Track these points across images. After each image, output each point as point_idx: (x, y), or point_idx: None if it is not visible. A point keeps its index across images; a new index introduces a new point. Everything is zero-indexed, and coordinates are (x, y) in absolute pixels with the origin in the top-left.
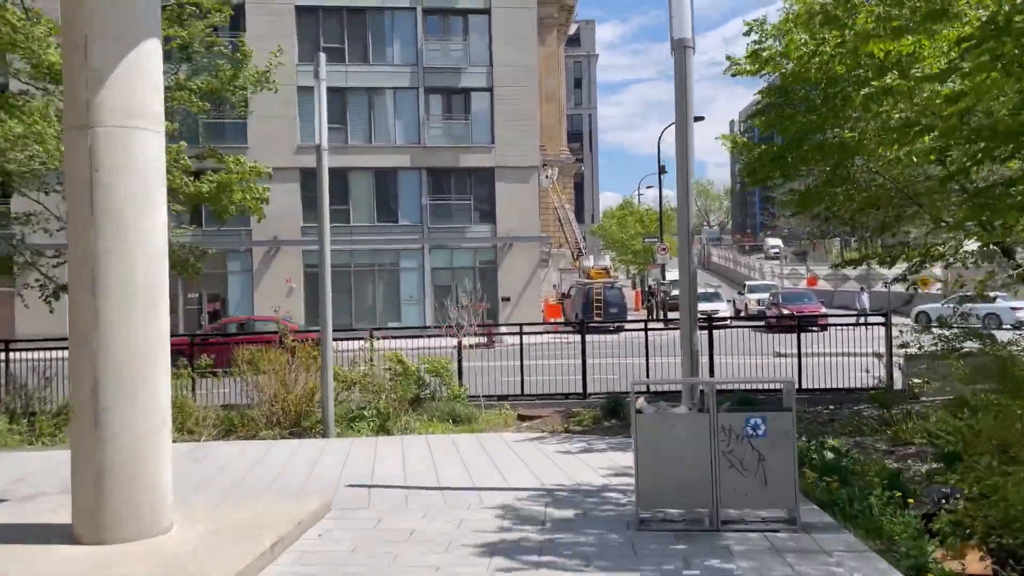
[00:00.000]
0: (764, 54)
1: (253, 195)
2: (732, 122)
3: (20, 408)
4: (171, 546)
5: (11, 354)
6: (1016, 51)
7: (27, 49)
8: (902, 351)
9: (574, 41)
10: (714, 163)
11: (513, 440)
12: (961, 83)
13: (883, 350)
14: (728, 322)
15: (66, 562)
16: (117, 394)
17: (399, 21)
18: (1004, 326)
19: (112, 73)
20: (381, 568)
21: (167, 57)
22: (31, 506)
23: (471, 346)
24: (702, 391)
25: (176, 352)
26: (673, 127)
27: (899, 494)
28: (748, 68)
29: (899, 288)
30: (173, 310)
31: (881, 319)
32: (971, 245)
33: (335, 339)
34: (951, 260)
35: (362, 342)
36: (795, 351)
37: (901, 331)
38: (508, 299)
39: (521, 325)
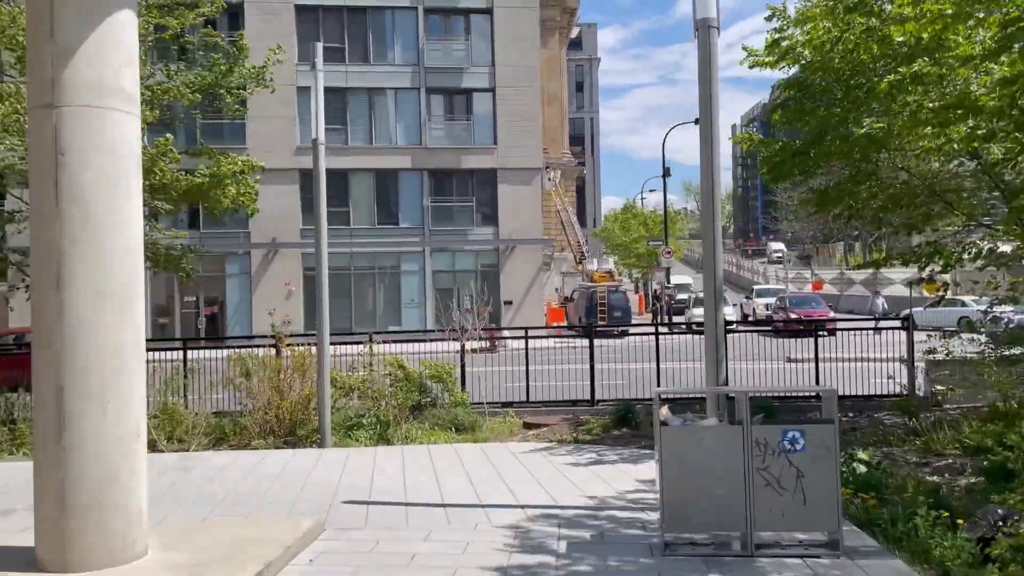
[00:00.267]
0: (784, 44)
1: (246, 190)
2: (734, 126)
3: (2, 414)
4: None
5: None
6: None
7: (10, 38)
8: (927, 357)
9: (576, 45)
10: None
11: (520, 451)
12: (1009, 67)
13: (905, 355)
14: (735, 326)
15: None
16: (84, 401)
17: (400, 21)
18: None
19: (81, 47)
20: None
21: (161, 52)
22: None
23: (473, 350)
24: (731, 399)
25: None
26: (676, 130)
27: (946, 514)
28: (767, 59)
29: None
30: (169, 313)
31: (900, 323)
32: (1005, 246)
33: (333, 343)
34: (983, 263)
35: (362, 346)
36: (806, 356)
37: (929, 335)
38: (510, 303)
39: (526, 329)
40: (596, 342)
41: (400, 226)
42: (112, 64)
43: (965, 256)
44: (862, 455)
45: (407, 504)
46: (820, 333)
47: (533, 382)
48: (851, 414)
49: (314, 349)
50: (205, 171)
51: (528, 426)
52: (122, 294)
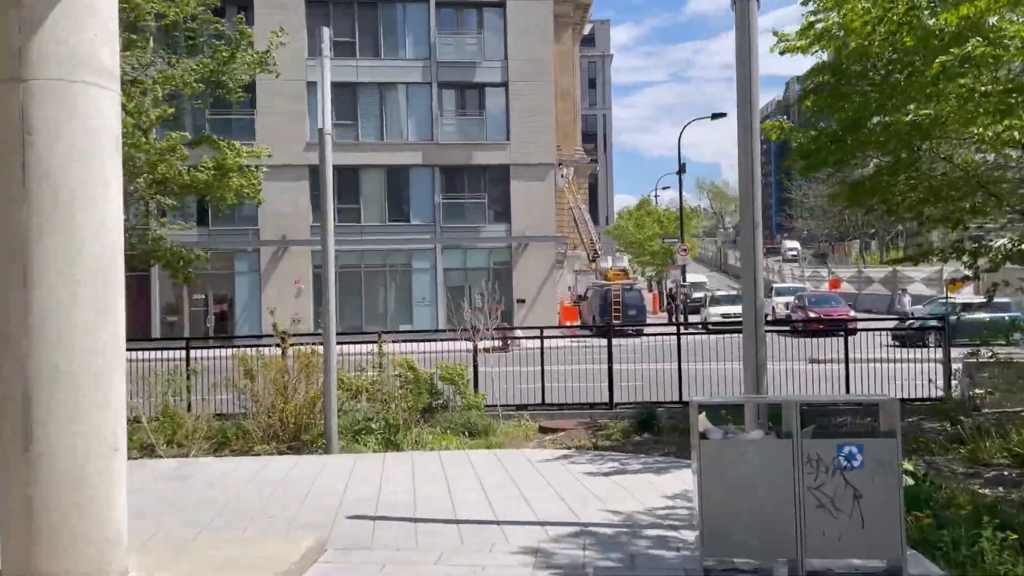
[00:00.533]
0: (819, 26)
1: (251, 180)
2: None
3: None
4: None
5: None
6: None
7: None
8: (967, 359)
9: (588, 41)
10: (729, 165)
11: (537, 459)
12: None
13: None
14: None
15: None
16: (54, 409)
17: (411, 14)
18: None
19: (51, 14)
20: None
21: (167, 43)
22: None
23: (485, 350)
24: (781, 408)
25: None
26: (690, 126)
27: (1014, 536)
28: (799, 43)
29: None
30: (177, 311)
31: (937, 323)
32: None
33: (341, 343)
34: None
35: (371, 346)
36: (830, 357)
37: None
38: (523, 301)
39: (541, 329)
40: (599, 342)
41: (411, 223)
42: (86, 33)
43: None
44: (907, 466)
45: (417, 520)
46: (839, 333)
47: (548, 383)
48: (859, 415)
49: (321, 349)
50: (209, 163)
51: (544, 430)
52: (99, 288)
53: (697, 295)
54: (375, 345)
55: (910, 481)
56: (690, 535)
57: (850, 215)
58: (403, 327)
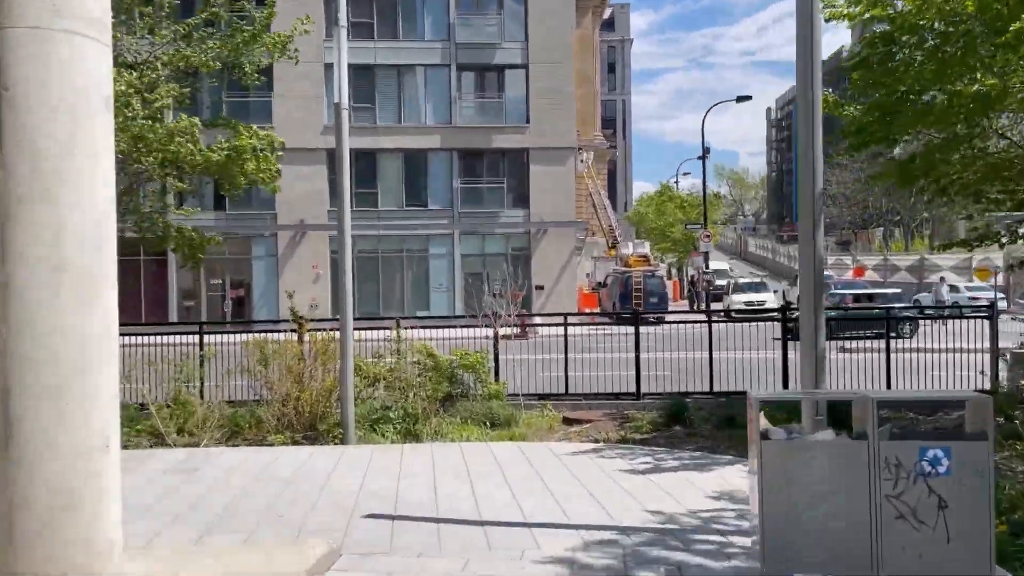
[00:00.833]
0: None
1: (267, 165)
2: (769, 109)
3: None
4: None
5: None
6: None
7: None
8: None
9: (608, 26)
10: (747, 152)
11: (563, 452)
12: None
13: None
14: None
15: None
16: (37, 403)
17: None
18: None
19: None
20: None
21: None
22: None
23: (504, 337)
24: (853, 407)
25: None
26: (714, 111)
27: None
28: (847, 11)
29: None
30: (194, 296)
31: (986, 311)
32: None
33: (358, 328)
34: None
35: (388, 332)
36: (862, 346)
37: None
38: (542, 288)
39: (565, 315)
40: (629, 329)
41: (429, 208)
42: None
43: None
44: None
45: (439, 520)
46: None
47: (571, 372)
48: (923, 412)
49: (338, 335)
50: (223, 144)
51: (568, 421)
52: (87, 269)
53: (719, 283)
54: (392, 331)
55: None
56: (741, 542)
57: (874, 202)
58: (420, 313)
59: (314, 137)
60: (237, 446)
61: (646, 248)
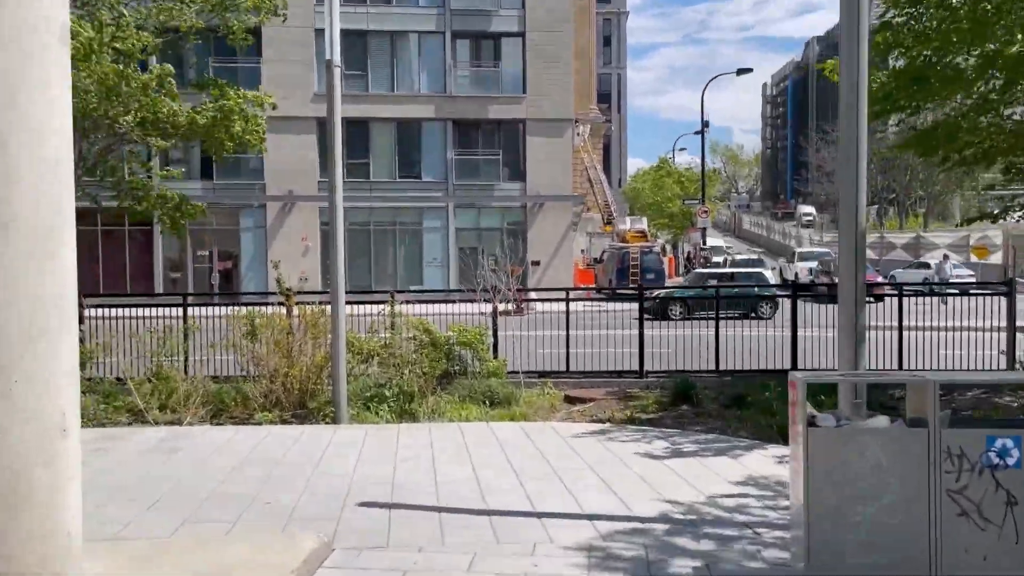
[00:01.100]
0: None
1: (254, 126)
2: (764, 85)
3: None
4: None
5: None
6: None
7: None
8: None
9: None
10: (741, 129)
11: (569, 433)
12: None
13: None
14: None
15: None
16: None
17: None
18: None
19: None
20: None
21: None
22: None
23: (502, 314)
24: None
25: None
26: (709, 87)
27: None
28: None
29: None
30: (181, 268)
31: (1004, 287)
32: None
33: (350, 302)
34: None
35: (382, 307)
36: (868, 323)
37: None
38: (538, 263)
39: (567, 290)
40: (626, 306)
41: (422, 180)
42: None
43: None
44: None
45: (440, 509)
46: (868, 300)
47: (573, 349)
48: (941, 393)
49: (328, 309)
50: (209, 105)
51: (570, 400)
52: (38, 228)
53: (716, 259)
54: (385, 306)
55: None
56: (771, 535)
57: (869, 179)
58: (413, 288)
59: (304, 105)
60: (222, 424)
61: (644, 224)
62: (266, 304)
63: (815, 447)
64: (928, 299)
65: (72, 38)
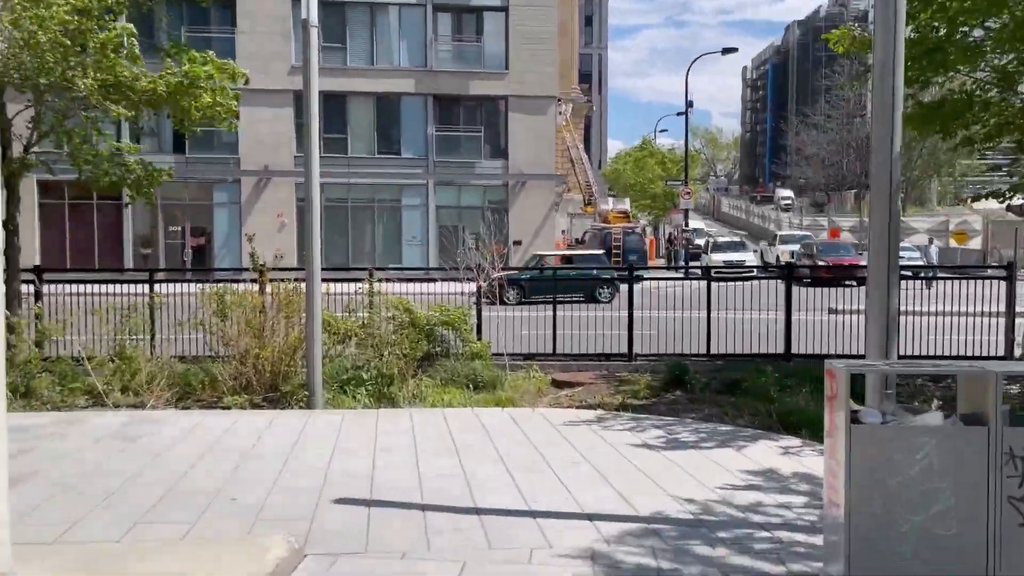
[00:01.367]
0: None
1: (223, 99)
2: (744, 68)
3: None
4: None
5: None
6: None
7: None
8: None
9: None
10: (720, 112)
11: (559, 421)
12: None
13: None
14: (754, 272)
15: None
16: None
17: None
18: None
19: None
20: None
21: None
22: None
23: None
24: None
25: None
26: (692, 68)
27: None
28: None
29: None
30: (152, 243)
31: (1004, 271)
32: None
33: (327, 280)
34: None
35: (359, 285)
36: (853, 307)
37: None
38: (519, 243)
39: (555, 270)
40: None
41: (402, 156)
42: None
43: None
44: None
45: (425, 507)
46: (847, 283)
47: (559, 331)
48: (931, 381)
49: (303, 286)
50: (175, 71)
51: (558, 384)
52: None
53: (698, 241)
54: (363, 284)
55: None
56: (791, 538)
57: (848, 163)
58: (392, 267)
59: (280, 78)
60: (188, 408)
61: (626, 204)
62: (239, 281)
63: (858, 445)
64: (912, 283)
65: None
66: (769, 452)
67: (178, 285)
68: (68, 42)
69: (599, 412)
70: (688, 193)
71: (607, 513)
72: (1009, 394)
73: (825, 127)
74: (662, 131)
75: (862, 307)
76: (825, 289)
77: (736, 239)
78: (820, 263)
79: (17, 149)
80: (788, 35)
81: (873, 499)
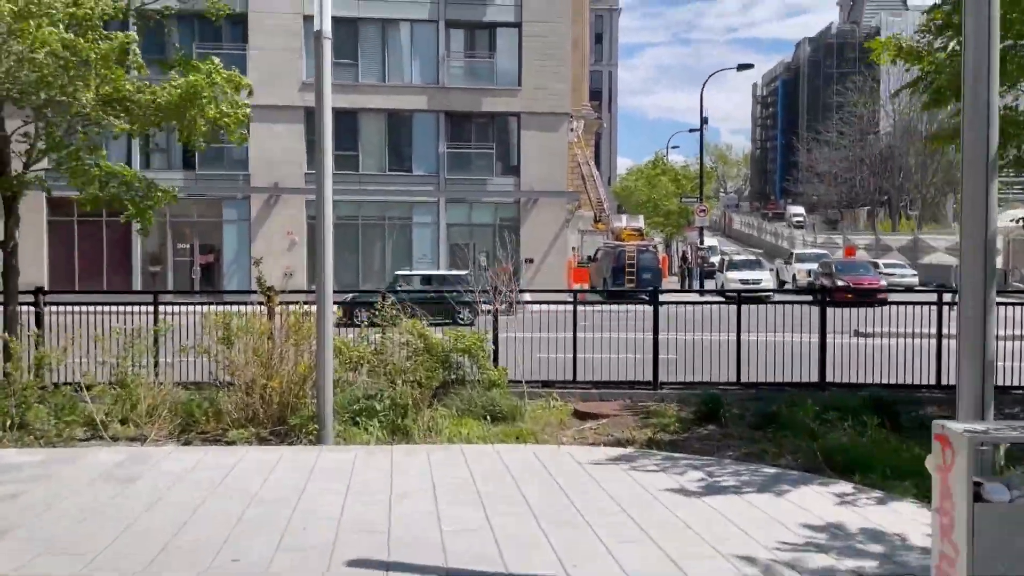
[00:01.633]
0: None
1: (232, 108)
2: (755, 85)
3: None
4: None
5: None
6: None
7: None
8: None
9: None
10: (728, 129)
11: (587, 460)
12: None
13: None
14: (771, 295)
15: None
16: None
17: None
18: None
19: None
20: None
21: None
22: None
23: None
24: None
25: None
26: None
27: None
28: None
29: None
30: (160, 261)
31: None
32: None
33: (337, 303)
34: None
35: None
36: (878, 330)
37: None
38: (531, 261)
39: (575, 292)
40: (621, 308)
41: (413, 173)
42: None
43: None
44: None
45: (449, 573)
46: (870, 304)
47: (580, 354)
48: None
49: (314, 309)
50: (178, 82)
51: (580, 415)
52: None
53: (712, 259)
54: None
55: None
56: None
57: (861, 180)
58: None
59: (291, 94)
60: (190, 443)
61: (640, 222)
62: (247, 303)
63: (987, 530)
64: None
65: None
66: (822, 500)
67: (182, 307)
68: (68, 55)
69: (628, 450)
70: (704, 211)
71: None
72: None
73: (838, 144)
74: (674, 147)
75: (888, 329)
76: (847, 309)
77: (752, 257)
78: (840, 283)
79: (16, 166)
80: (799, 52)
81: None
